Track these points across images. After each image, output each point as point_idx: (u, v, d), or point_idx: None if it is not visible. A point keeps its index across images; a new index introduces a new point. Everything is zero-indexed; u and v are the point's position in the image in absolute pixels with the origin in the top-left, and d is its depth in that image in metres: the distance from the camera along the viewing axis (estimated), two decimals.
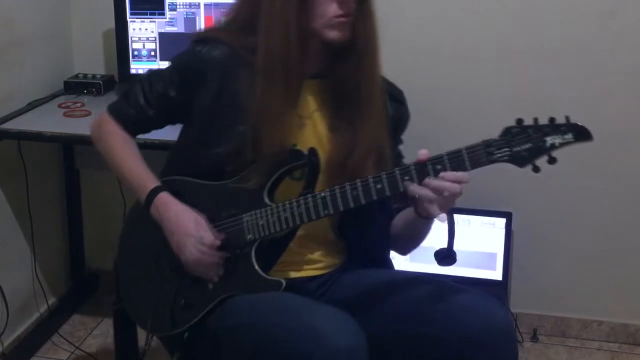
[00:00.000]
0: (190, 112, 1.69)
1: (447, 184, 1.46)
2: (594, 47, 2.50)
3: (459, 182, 1.46)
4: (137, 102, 1.73)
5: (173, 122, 1.78)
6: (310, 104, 1.66)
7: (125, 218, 1.87)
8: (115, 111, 1.77)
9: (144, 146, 1.86)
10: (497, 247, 2.59)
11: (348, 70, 1.61)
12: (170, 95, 1.70)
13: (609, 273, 2.70)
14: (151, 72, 1.76)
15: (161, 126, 1.80)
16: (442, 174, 1.47)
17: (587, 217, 2.66)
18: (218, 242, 1.60)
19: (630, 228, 2.65)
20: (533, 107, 2.44)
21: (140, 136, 1.82)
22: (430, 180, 1.47)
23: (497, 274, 2.59)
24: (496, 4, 2.52)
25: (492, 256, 2.59)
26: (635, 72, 2.50)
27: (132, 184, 1.72)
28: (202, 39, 1.69)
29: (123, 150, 1.75)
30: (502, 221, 2.58)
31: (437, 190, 1.47)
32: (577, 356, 2.70)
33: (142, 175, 1.71)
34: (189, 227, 1.61)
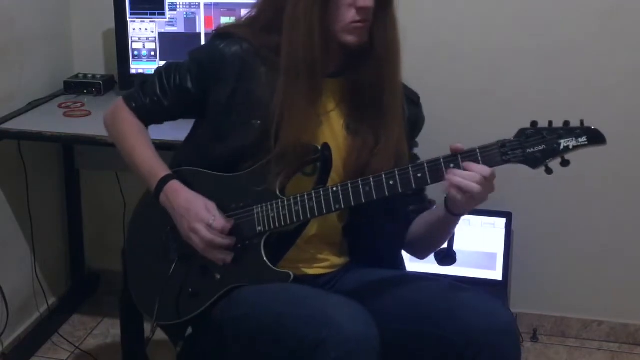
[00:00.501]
0: (205, 106, 1.69)
1: (469, 174, 1.46)
2: (594, 47, 2.50)
3: (480, 174, 1.46)
4: (153, 92, 1.74)
5: (187, 116, 1.78)
6: (329, 103, 1.67)
7: (135, 208, 1.87)
8: (130, 100, 1.77)
9: None
10: (497, 247, 2.59)
11: (367, 73, 1.62)
12: (186, 87, 1.70)
13: (609, 273, 2.70)
14: (169, 64, 1.76)
15: (175, 118, 1.80)
16: (466, 164, 1.47)
17: (587, 217, 2.66)
18: (228, 226, 1.61)
19: (630, 228, 2.65)
20: (533, 107, 2.47)
21: None
22: (455, 171, 1.47)
23: (497, 274, 2.59)
24: (496, 4, 2.52)
25: (492, 256, 2.59)
26: (635, 72, 2.50)
27: (142, 172, 1.72)
28: (223, 34, 1.70)
29: (135, 138, 1.75)
30: (502, 221, 2.58)
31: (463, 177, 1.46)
32: (577, 356, 2.70)
33: (152, 163, 1.71)
34: (199, 212, 1.61)
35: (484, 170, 1.46)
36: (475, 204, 1.51)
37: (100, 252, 2.94)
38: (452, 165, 1.47)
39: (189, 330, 1.71)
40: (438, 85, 2.56)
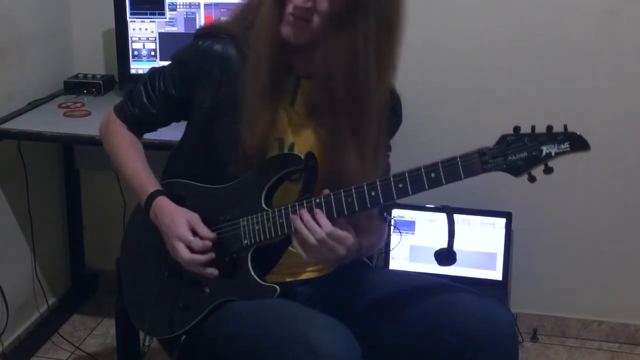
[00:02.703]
0: (191, 108, 1.69)
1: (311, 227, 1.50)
2: (594, 47, 2.50)
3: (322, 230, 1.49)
4: (140, 101, 1.74)
5: (177, 119, 1.78)
6: (307, 103, 1.65)
7: (128, 219, 1.88)
8: (120, 110, 1.78)
9: (143, 146, 1.85)
10: (497, 247, 2.59)
11: (322, 76, 1.57)
12: (171, 92, 1.70)
13: (608, 273, 2.70)
14: (154, 70, 1.76)
15: (166, 123, 1.80)
16: (317, 212, 1.50)
17: (587, 217, 2.65)
18: (209, 244, 1.60)
19: (630, 228, 2.65)
20: (532, 107, 2.47)
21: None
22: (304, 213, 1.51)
23: (497, 274, 2.59)
24: (496, 4, 2.52)
25: (492, 256, 2.59)
26: (635, 72, 2.50)
27: (133, 186, 1.73)
28: (205, 33, 1.69)
29: (127, 152, 1.75)
30: (502, 221, 2.58)
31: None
32: (577, 356, 2.70)
33: (142, 178, 1.71)
34: (179, 231, 1.61)
35: (327, 226, 1.49)
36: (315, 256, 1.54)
37: (100, 252, 2.94)
38: (433, 175, 1.43)
39: (184, 336, 1.70)
40: (437, 86, 2.56)
